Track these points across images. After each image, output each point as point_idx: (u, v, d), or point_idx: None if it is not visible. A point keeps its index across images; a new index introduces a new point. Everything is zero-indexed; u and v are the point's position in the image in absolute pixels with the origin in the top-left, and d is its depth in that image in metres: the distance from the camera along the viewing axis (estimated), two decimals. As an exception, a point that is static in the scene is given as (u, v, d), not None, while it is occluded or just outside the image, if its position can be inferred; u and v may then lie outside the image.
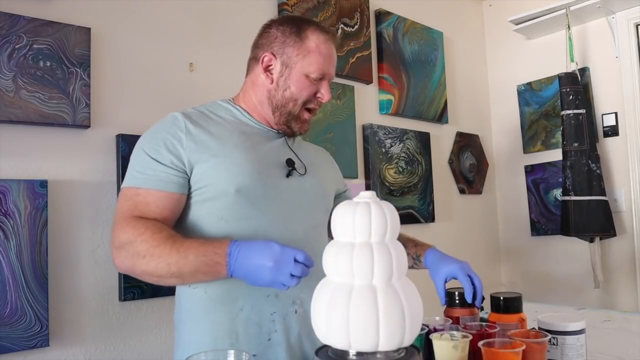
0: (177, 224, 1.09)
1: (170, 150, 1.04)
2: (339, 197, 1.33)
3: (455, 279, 1.16)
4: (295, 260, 0.91)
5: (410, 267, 1.19)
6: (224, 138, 1.08)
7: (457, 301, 1.16)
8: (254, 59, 1.18)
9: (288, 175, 1.13)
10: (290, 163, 1.14)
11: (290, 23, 1.15)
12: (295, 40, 1.12)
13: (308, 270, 0.92)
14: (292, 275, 0.91)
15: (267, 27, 1.18)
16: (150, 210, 1.03)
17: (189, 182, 1.06)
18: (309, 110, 1.16)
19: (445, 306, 1.20)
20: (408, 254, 1.23)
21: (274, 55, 1.13)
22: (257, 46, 1.18)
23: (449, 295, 1.18)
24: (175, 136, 1.05)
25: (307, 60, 1.10)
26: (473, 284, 1.14)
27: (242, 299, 1.04)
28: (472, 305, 1.14)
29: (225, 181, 1.04)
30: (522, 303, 1.12)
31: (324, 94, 1.14)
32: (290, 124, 1.14)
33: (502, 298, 1.10)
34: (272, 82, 1.13)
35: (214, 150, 1.05)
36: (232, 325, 1.04)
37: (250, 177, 1.06)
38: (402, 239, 1.25)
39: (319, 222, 1.20)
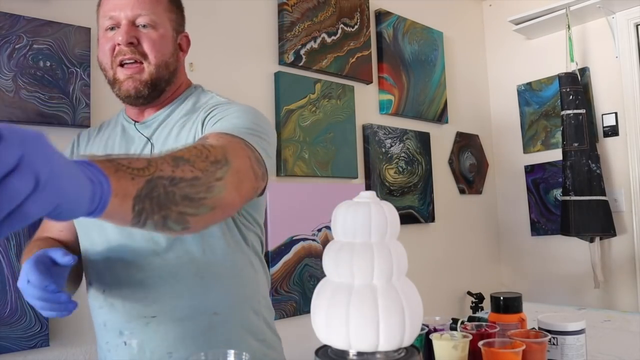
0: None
1: None
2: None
3: None
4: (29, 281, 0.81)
5: None
6: (97, 151, 1.01)
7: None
8: None
9: None
10: None
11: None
12: (97, 11, 1.02)
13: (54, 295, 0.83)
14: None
15: None
16: (53, 231, 1.02)
17: None
18: (123, 65, 0.98)
19: None
20: None
21: None
22: None
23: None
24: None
25: (100, 17, 0.99)
26: None
27: None
28: None
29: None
30: (522, 303, 1.11)
31: (117, 37, 0.96)
32: (118, 92, 0.99)
33: (502, 298, 1.09)
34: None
35: None
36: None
37: None
38: None
39: None
